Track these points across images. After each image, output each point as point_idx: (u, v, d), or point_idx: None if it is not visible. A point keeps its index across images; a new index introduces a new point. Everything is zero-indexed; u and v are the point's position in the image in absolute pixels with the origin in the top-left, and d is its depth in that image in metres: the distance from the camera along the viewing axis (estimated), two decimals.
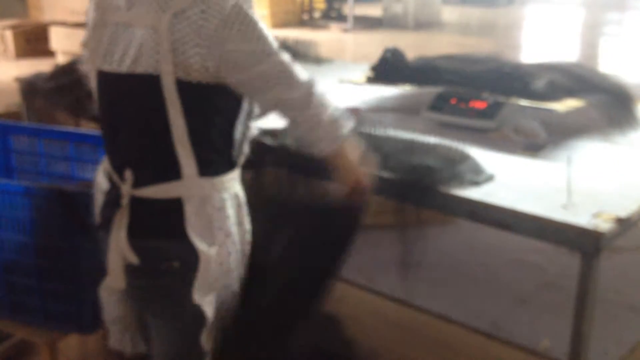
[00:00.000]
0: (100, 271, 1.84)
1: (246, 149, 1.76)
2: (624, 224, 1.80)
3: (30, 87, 3.25)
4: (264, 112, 1.74)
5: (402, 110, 2.82)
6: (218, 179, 1.63)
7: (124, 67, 1.57)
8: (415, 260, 2.57)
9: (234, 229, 1.65)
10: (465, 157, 2.10)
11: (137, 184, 1.62)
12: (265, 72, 1.59)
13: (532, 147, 2.35)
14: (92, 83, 1.71)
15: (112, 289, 1.79)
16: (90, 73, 1.71)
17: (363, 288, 2.97)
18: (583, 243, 1.77)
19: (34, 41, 8.46)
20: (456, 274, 2.50)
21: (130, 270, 1.65)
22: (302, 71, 1.66)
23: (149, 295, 1.69)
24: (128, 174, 1.62)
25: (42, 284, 2.19)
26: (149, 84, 1.55)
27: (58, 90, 3.08)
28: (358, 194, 1.80)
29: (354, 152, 1.77)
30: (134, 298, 1.74)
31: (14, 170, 2.69)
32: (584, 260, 1.80)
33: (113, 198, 1.67)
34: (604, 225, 1.75)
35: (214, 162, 1.63)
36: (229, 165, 1.66)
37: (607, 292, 2.03)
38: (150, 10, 1.55)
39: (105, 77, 1.64)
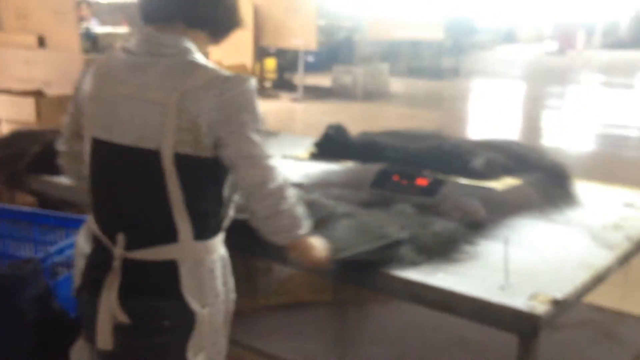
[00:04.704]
0: (74, 332, 1.87)
1: (231, 212, 1.83)
2: (560, 305, 1.81)
3: None
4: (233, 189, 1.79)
5: (345, 185, 2.82)
6: (210, 242, 1.72)
7: (128, 140, 1.64)
8: (355, 338, 2.55)
9: (221, 288, 1.74)
10: (405, 238, 2.10)
11: (130, 246, 1.68)
12: (245, 152, 1.65)
13: (472, 224, 2.36)
14: (86, 149, 1.76)
15: (83, 350, 1.84)
16: (85, 139, 1.76)
17: None
18: (520, 325, 1.77)
19: None
20: (397, 353, 2.47)
21: (119, 330, 1.68)
22: (276, 165, 1.71)
23: (140, 355, 1.71)
24: (120, 237, 1.68)
25: None
26: (150, 157, 1.62)
27: None
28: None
29: (312, 246, 1.83)
30: (122, 358, 1.74)
31: None
32: (521, 342, 1.80)
33: (99, 261, 1.71)
34: (540, 307, 1.76)
35: (207, 226, 1.71)
36: (218, 228, 1.75)
37: None
38: (158, 87, 1.62)
39: (103, 147, 1.70)
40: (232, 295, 1.81)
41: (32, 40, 6.85)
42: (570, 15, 21.06)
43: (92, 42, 9.25)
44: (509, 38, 23.01)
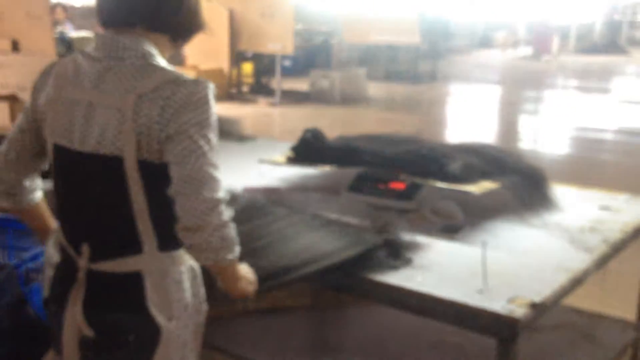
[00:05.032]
0: (49, 340, 1.83)
1: None
2: (538, 308, 1.81)
3: None
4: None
5: (322, 189, 2.81)
6: (176, 253, 1.66)
7: (87, 147, 1.60)
8: (334, 342, 2.53)
9: (190, 300, 1.68)
10: (383, 241, 2.09)
11: (94, 257, 1.64)
12: (185, 152, 1.55)
13: (450, 228, 2.37)
14: (49, 156, 1.71)
15: None
16: (47, 146, 1.71)
17: None
18: (498, 329, 1.77)
19: None
20: (376, 357, 2.46)
21: (84, 344, 1.65)
22: (218, 177, 1.58)
23: None
24: (85, 248, 1.64)
25: None
26: (112, 164, 1.57)
27: None
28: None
29: (239, 276, 1.70)
30: None
31: None
32: (500, 345, 1.80)
33: (66, 271, 1.68)
34: (518, 310, 1.76)
35: (172, 237, 1.63)
36: None
37: None
38: (115, 91, 1.57)
39: (64, 154, 1.65)
40: (204, 306, 1.74)
41: (5, 44, 6.78)
42: (545, 20, 21.23)
43: (66, 46, 9.17)
44: (485, 43, 23.19)
